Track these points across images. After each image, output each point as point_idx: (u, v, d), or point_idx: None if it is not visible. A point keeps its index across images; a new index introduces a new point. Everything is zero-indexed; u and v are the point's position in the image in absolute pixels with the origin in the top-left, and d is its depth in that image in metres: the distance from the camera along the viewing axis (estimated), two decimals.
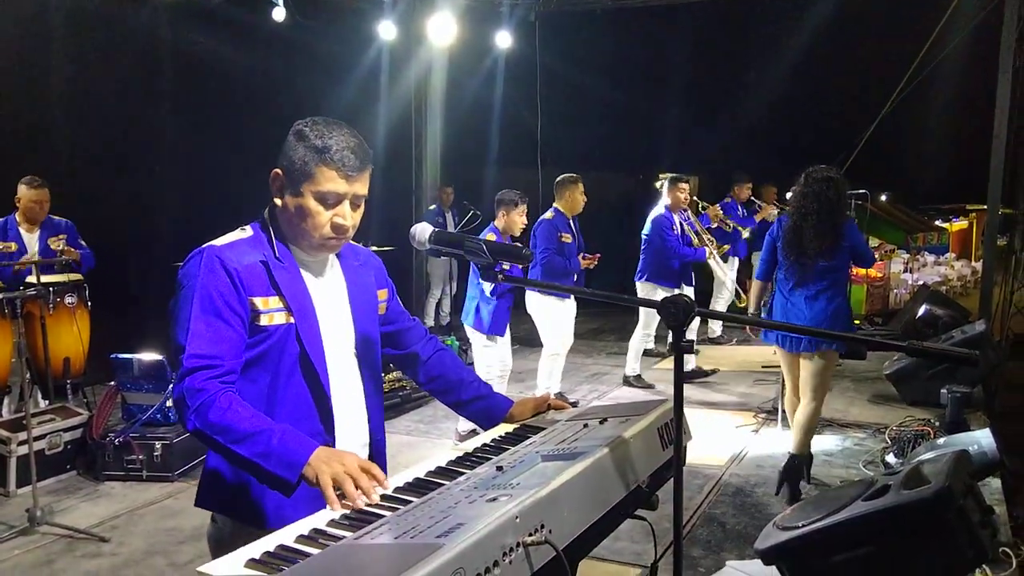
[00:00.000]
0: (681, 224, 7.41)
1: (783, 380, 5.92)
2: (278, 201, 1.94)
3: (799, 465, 4.65)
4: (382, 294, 2.17)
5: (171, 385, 5.13)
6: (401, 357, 2.26)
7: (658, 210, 7.33)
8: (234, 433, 1.71)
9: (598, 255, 6.21)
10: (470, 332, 5.70)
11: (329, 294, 2.02)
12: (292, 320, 1.90)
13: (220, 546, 1.93)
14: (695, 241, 7.54)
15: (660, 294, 7.16)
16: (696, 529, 4.29)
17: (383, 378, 2.22)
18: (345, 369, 2.02)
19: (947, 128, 13.98)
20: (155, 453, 4.99)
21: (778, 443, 5.65)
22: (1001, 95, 7.96)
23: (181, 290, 1.86)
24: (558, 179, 6.38)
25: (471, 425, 5.60)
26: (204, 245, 1.90)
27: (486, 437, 2.07)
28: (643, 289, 7.28)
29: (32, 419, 4.49)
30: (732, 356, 8.61)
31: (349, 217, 1.91)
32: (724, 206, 9.00)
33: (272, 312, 1.88)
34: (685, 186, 7.33)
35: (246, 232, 1.96)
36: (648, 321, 7.39)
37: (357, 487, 1.61)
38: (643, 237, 7.34)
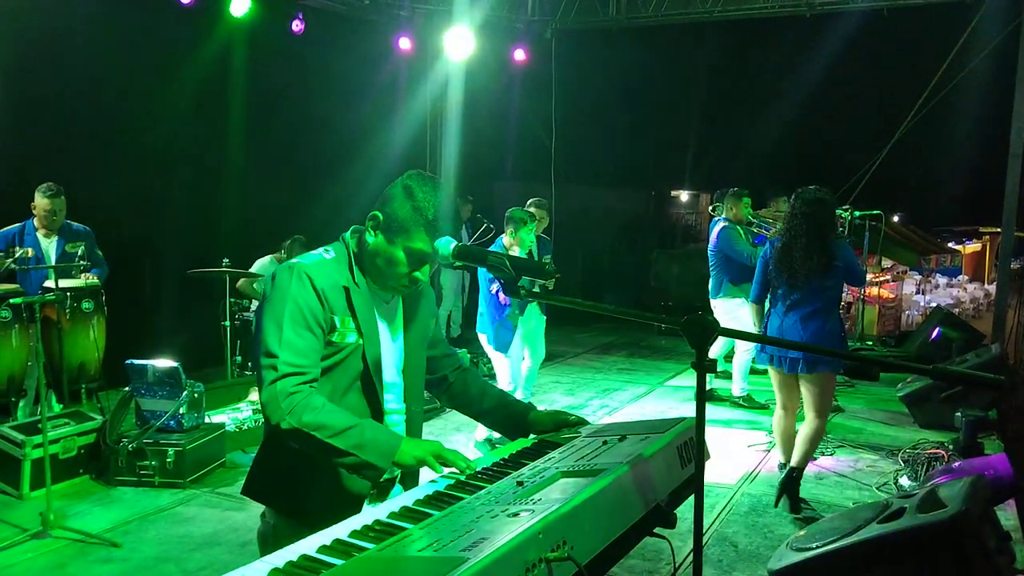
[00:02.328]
0: (745, 233, 7.17)
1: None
2: (370, 239, 2.08)
3: (797, 478, 4.76)
4: (431, 323, 2.32)
5: (183, 392, 5.16)
6: (430, 380, 2.38)
7: (720, 224, 7.16)
8: (330, 429, 1.91)
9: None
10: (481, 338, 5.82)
11: (390, 320, 2.19)
12: (361, 341, 2.07)
13: (267, 543, 2.09)
14: (770, 234, 7.34)
15: (745, 307, 6.84)
16: (708, 548, 4.26)
17: None
18: (393, 388, 2.18)
19: (962, 150, 13.98)
20: (167, 459, 5.01)
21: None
22: (1017, 114, 7.94)
23: (270, 301, 2.01)
24: None
25: (485, 434, 5.68)
26: (291, 261, 2.07)
27: (504, 452, 2.08)
28: (722, 306, 7.06)
29: (47, 423, 4.52)
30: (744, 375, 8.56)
31: (427, 275, 2.10)
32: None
33: (346, 331, 2.05)
34: (749, 200, 7.16)
35: (329, 254, 2.11)
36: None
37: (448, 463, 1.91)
38: (709, 253, 7.20)
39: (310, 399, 1.93)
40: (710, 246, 7.25)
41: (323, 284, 2.02)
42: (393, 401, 2.18)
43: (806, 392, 4.69)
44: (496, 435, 5.70)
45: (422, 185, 2.04)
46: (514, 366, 5.84)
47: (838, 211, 7.30)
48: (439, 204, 2.04)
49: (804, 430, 4.73)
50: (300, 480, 2.06)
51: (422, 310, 2.26)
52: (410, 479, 2.16)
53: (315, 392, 1.96)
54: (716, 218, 7.36)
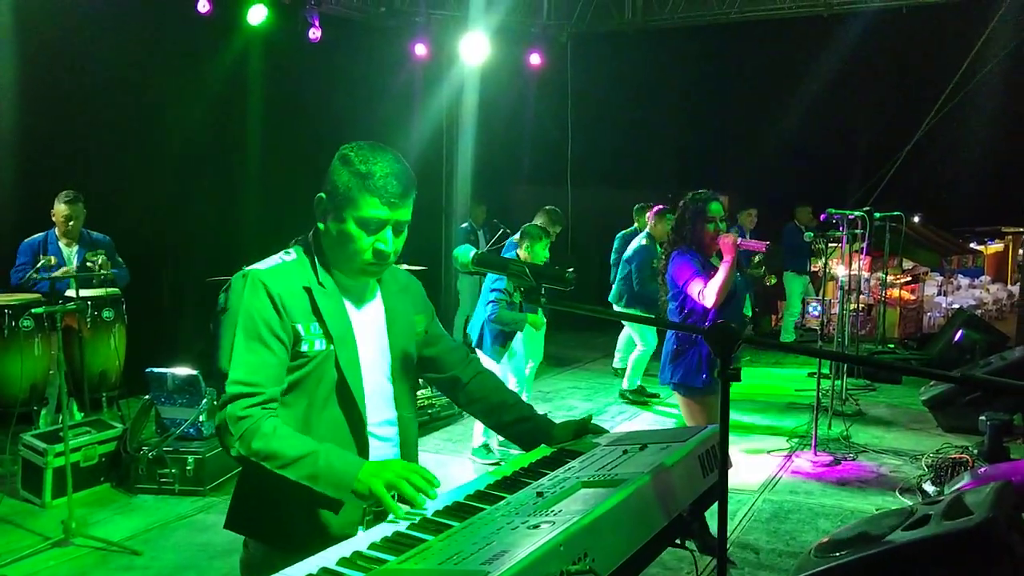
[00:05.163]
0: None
1: (816, 405, 5.87)
2: (321, 225, 1.93)
3: None
4: (420, 319, 2.14)
5: (203, 400, 5.18)
6: (441, 380, 2.25)
7: (640, 239, 7.29)
8: (281, 459, 1.75)
9: None
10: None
11: (368, 320, 2.01)
12: (332, 346, 1.90)
13: (251, 572, 1.94)
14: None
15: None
16: (729, 555, 4.22)
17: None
18: (381, 395, 2.01)
19: (983, 149, 13.77)
20: (187, 467, 5.02)
21: (813, 469, 5.57)
22: None
23: (224, 313, 1.86)
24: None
25: (482, 441, 5.65)
26: (247, 268, 1.89)
27: (523, 460, 2.06)
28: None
29: (68, 431, 4.55)
30: (764, 380, 8.51)
31: (391, 243, 1.90)
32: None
33: (313, 338, 1.88)
34: (671, 218, 7.17)
35: (289, 255, 1.95)
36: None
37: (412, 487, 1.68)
38: (623, 262, 7.34)
39: (260, 424, 1.76)
40: (624, 255, 7.30)
41: (279, 289, 1.84)
42: (383, 409, 2.00)
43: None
44: (493, 442, 5.69)
45: (357, 150, 1.87)
46: (515, 370, 5.79)
47: (858, 212, 7.23)
48: (381, 162, 1.85)
49: None
50: (284, 509, 1.85)
51: (406, 306, 2.08)
52: None
53: (269, 415, 1.79)
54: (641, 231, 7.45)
